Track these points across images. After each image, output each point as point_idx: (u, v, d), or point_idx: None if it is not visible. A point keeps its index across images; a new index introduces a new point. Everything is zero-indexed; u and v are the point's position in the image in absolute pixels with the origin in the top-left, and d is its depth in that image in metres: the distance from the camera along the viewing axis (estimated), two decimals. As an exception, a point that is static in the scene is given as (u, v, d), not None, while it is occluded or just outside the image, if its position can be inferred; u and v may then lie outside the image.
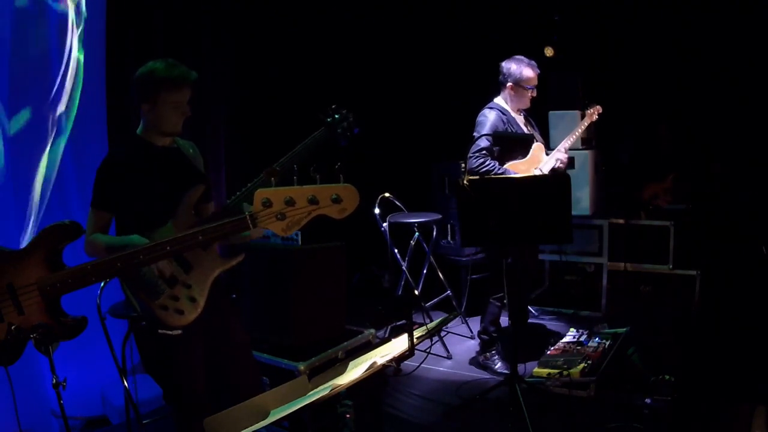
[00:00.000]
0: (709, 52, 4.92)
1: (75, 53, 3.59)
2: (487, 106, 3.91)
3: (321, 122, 2.58)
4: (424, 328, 2.21)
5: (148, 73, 2.29)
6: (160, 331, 2.19)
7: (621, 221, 4.94)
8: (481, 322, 4.08)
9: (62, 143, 3.57)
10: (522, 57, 3.86)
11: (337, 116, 2.58)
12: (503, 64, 3.88)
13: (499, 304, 3.96)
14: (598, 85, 5.05)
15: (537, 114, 4.24)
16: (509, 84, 3.86)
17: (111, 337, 3.00)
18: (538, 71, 3.87)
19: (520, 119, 3.94)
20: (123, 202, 2.31)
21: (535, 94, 3.90)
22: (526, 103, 3.91)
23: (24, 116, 3.39)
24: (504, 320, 4.16)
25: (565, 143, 3.94)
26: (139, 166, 2.33)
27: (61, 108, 3.55)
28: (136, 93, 2.33)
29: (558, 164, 3.86)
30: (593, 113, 4.11)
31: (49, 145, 3.51)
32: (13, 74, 3.29)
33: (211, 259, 2.26)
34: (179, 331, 2.21)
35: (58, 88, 3.53)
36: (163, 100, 2.29)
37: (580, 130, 4.12)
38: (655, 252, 4.83)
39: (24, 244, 2.16)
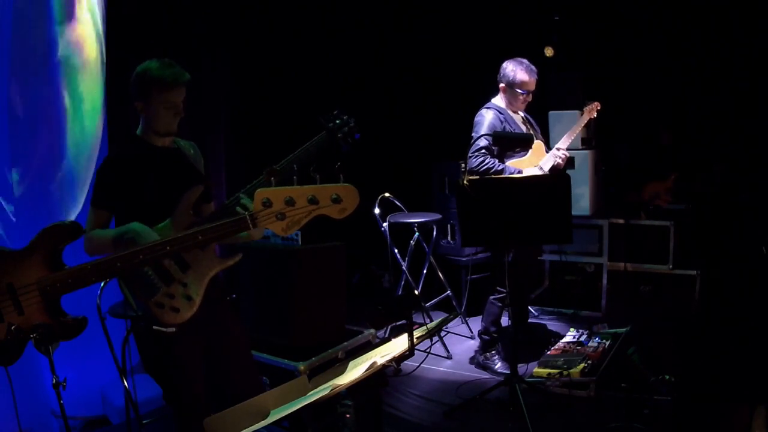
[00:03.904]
0: (710, 52, 4.92)
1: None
2: (484, 106, 3.91)
3: (322, 127, 2.57)
4: (424, 328, 2.21)
5: (142, 72, 2.32)
6: (154, 327, 2.20)
7: (621, 221, 4.94)
8: (482, 321, 4.08)
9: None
10: (523, 60, 3.84)
11: (338, 121, 2.57)
12: (503, 63, 3.87)
13: (500, 304, 3.95)
14: (598, 85, 5.05)
15: (537, 114, 4.24)
16: (502, 84, 3.86)
17: (111, 337, 3.00)
18: (536, 77, 3.84)
19: (517, 118, 3.94)
20: (122, 201, 2.32)
21: (529, 99, 3.88)
22: (518, 106, 3.90)
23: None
24: (504, 320, 4.16)
25: (565, 141, 3.94)
26: (139, 166, 2.34)
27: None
28: (131, 91, 2.35)
29: (557, 161, 3.86)
30: (592, 110, 4.11)
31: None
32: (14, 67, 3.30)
33: (208, 259, 2.26)
34: (173, 329, 2.22)
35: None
36: (155, 99, 2.31)
37: (579, 127, 4.12)
38: (655, 252, 4.83)
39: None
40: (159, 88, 2.29)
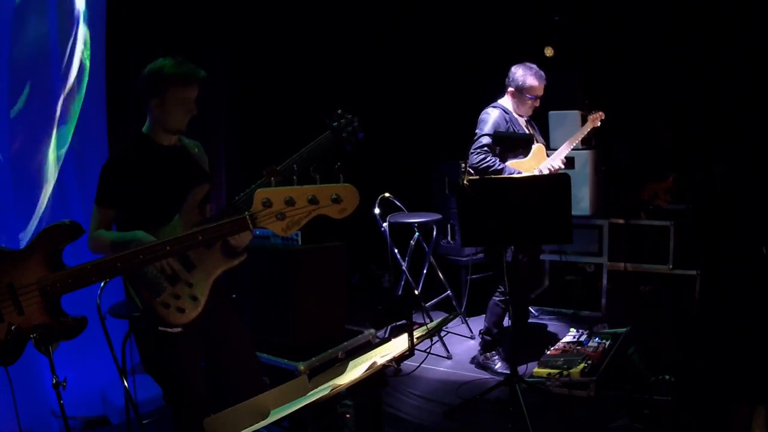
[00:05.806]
0: (710, 52, 4.92)
1: (79, 48, 3.59)
2: (491, 105, 3.91)
3: (326, 126, 2.57)
4: (424, 328, 2.21)
5: (158, 70, 2.31)
6: (160, 328, 2.20)
7: (621, 221, 4.94)
8: (485, 321, 4.08)
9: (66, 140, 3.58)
10: (533, 65, 3.83)
11: (342, 120, 2.57)
12: (513, 67, 3.87)
13: (503, 305, 3.95)
14: (598, 85, 5.05)
15: (537, 114, 4.24)
16: (510, 89, 3.87)
17: (111, 337, 3.00)
18: (545, 83, 3.84)
19: (521, 120, 3.94)
20: (127, 199, 2.31)
21: (536, 104, 3.89)
22: (526, 111, 3.91)
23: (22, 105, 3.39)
24: (505, 320, 4.16)
25: (566, 148, 3.93)
26: (145, 164, 2.34)
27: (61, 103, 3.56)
28: (144, 89, 2.34)
29: (554, 168, 3.86)
30: (596, 119, 4.11)
31: (51, 142, 3.52)
32: (13, 67, 3.29)
33: (213, 259, 2.26)
34: (179, 329, 2.22)
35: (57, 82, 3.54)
36: (171, 96, 2.31)
37: (582, 135, 4.12)
38: (655, 252, 4.83)
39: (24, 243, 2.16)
40: (176, 85, 2.30)
